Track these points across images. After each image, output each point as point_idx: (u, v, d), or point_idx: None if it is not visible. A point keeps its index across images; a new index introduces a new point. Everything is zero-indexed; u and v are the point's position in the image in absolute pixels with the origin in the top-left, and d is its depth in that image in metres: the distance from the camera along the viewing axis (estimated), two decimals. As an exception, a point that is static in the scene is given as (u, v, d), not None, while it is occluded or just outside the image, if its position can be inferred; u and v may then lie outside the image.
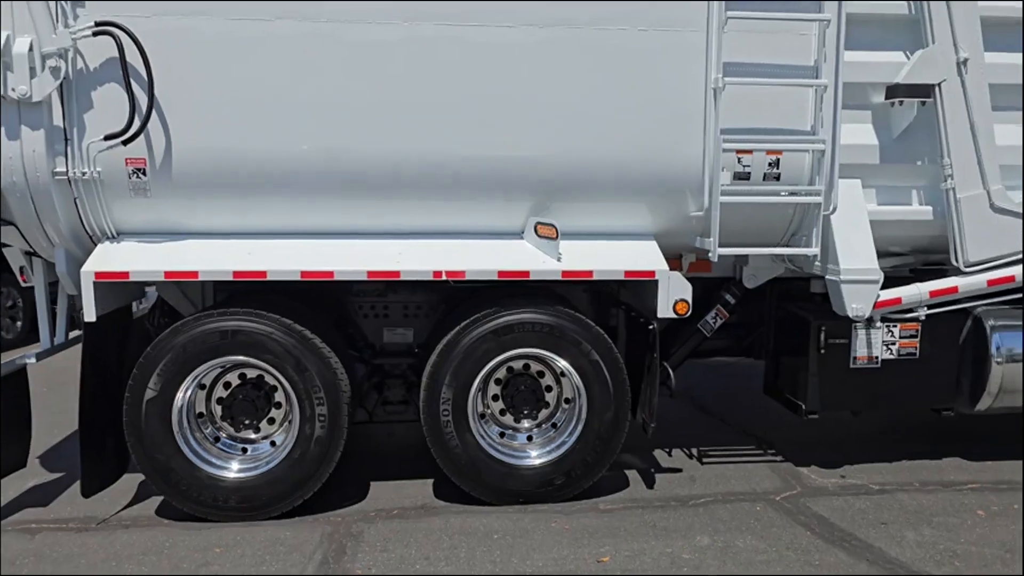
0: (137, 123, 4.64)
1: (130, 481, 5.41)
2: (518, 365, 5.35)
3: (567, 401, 5.37)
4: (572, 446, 5.22)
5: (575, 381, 5.20)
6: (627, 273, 5.07)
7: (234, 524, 4.97)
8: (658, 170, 5.07)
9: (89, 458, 4.91)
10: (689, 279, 5.22)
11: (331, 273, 4.89)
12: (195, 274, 4.82)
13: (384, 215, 5.10)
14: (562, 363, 5.17)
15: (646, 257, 5.16)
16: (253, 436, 5.27)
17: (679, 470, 5.87)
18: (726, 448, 6.30)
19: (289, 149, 4.84)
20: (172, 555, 4.59)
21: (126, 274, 4.77)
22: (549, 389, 5.41)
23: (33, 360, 5.16)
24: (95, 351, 4.89)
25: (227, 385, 5.19)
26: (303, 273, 4.87)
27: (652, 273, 5.07)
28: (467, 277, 4.98)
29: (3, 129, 4.61)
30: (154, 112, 4.69)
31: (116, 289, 4.97)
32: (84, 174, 4.74)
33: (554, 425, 5.43)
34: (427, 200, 5.06)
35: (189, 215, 5.00)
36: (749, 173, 5.12)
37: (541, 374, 5.39)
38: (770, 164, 5.12)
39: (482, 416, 5.35)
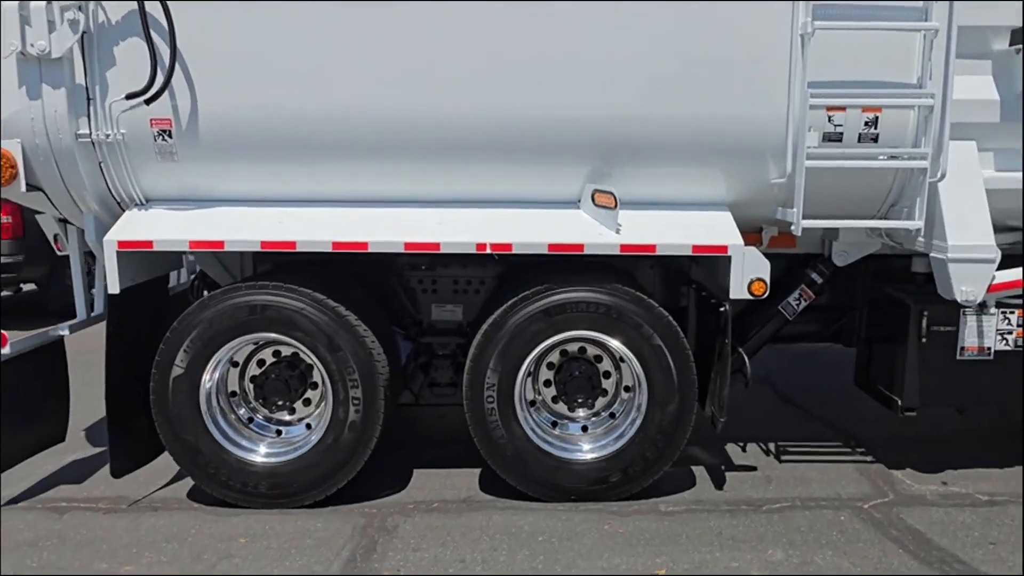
0: (160, 80, 4.30)
1: (167, 461, 5.14)
2: (573, 348, 4.84)
3: (627, 389, 4.83)
4: (630, 439, 4.69)
5: (635, 368, 4.66)
6: (695, 248, 4.47)
7: (265, 512, 4.65)
8: (733, 130, 4.45)
9: (118, 438, 4.67)
10: (769, 256, 4.59)
11: (364, 244, 4.47)
12: (220, 244, 4.48)
13: (427, 181, 4.64)
14: (620, 347, 4.63)
15: (718, 230, 4.55)
16: (288, 418, 4.95)
17: (753, 468, 5.26)
18: (808, 444, 5.65)
19: (325, 109, 4.42)
20: (195, 544, 4.30)
21: (150, 243, 4.47)
22: (607, 375, 4.89)
23: (67, 332, 4.94)
24: (121, 325, 4.63)
25: (261, 363, 4.87)
26: (335, 244, 4.47)
27: (724, 248, 4.46)
28: (514, 251, 4.47)
29: (24, 88, 4.34)
30: (179, 68, 4.34)
31: (145, 259, 4.67)
32: (108, 136, 4.45)
33: (612, 415, 4.91)
34: (474, 164, 4.58)
35: (220, 181, 4.67)
36: (841, 134, 4.44)
37: (598, 358, 4.86)
38: (867, 123, 4.42)
39: (532, 404, 4.87)
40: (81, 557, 4.18)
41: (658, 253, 4.48)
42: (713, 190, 4.66)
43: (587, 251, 4.47)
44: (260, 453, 4.73)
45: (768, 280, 4.49)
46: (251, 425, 4.89)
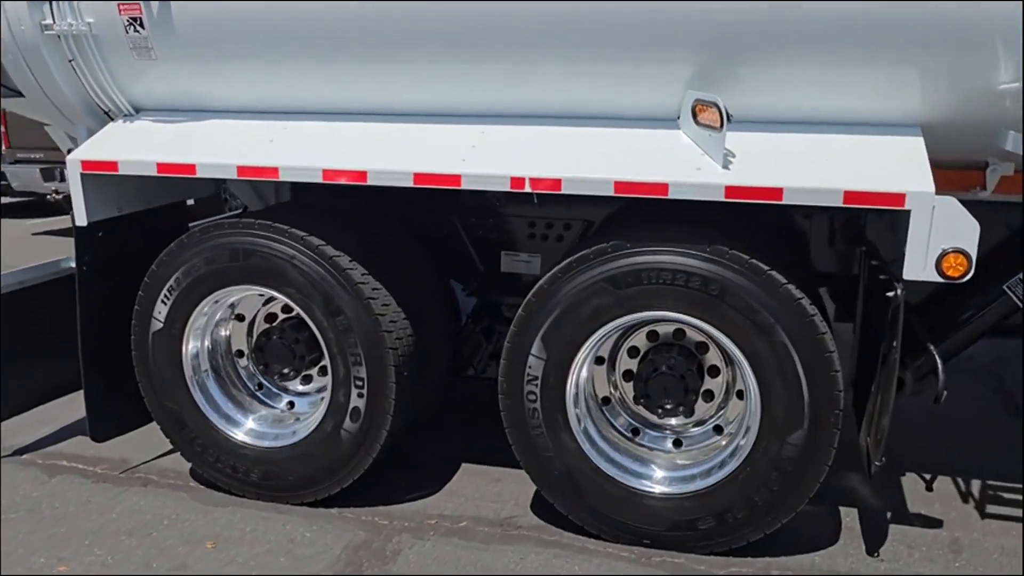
0: (113, -51, 3.26)
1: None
2: (667, 330, 3.37)
3: (739, 396, 3.31)
4: (731, 474, 3.19)
5: (745, 373, 3.11)
6: (849, 196, 2.79)
7: (257, 506, 3.74)
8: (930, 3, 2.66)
9: (98, 397, 3.89)
10: (991, 208, 2.82)
11: (363, 174, 3.24)
12: (192, 168, 3.44)
13: (465, 87, 3.31)
14: (724, 341, 3.09)
15: (893, 166, 2.82)
16: (302, 388, 3.94)
17: (936, 524, 3.55)
18: (1038, 489, 3.80)
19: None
20: (156, 542, 3.48)
21: (114, 164, 3.53)
22: (715, 372, 3.38)
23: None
24: (99, 266, 3.77)
25: (271, 318, 3.86)
26: (325, 173, 3.29)
27: (899, 198, 2.75)
28: (564, 189, 3.04)
29: (-23, -32, 3.48)
30: (140, -67, 3.27)
31: (133, 183, 3.73)
32: (72, 26, 3.51)
33: (717, 429, 3.42)
34: (527, 61, 3.17)
35: (211, 85, 3.64)
36: None
37: (702, 347, 3.36)
38: None
39: (606, 402, 3.49)
40: (31, 539, 3.48)
41: (786, 201, 2.84)
42: (894, 100, 2.93)
43: (672, 194, 2.93)
44: (251, 433, 3.76)
45: (973, 253, 2.72)
46: (260, 393, 3.94)
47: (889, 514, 3.61)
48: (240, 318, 3.89)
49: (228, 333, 3.90)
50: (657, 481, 3.31)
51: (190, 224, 3.99)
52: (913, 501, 3.71)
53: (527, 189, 3.06)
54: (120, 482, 3.98)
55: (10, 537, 3.51)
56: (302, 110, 3.56)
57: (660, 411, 3.37)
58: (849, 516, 3.59)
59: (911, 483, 3.88)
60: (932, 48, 2.75)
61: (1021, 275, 3.38)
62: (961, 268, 2.73)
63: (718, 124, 2.84)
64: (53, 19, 3.53)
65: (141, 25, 3.48)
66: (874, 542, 3.39)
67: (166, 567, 3.30)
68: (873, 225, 3.58)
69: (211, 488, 3.87)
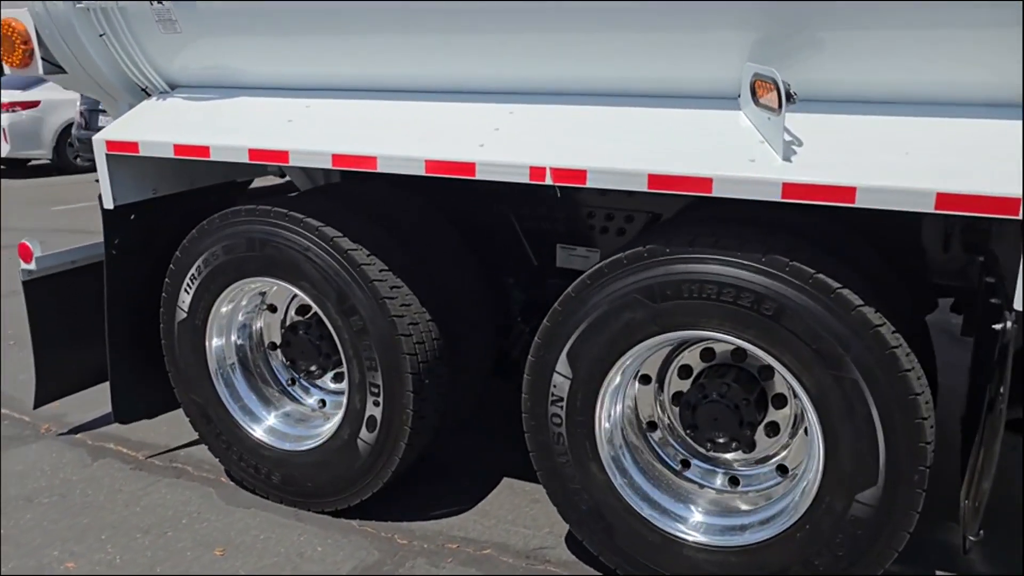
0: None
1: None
2: (724, 348, 2.84)
3: (807, 432, 2.73)
4: (786, 530, 2.63)
5: (808, 412, 2.54)
6: (942, 199, 2.16)
7: (278, 511, 3.53)
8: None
9: (123, 380, 3.77)
10: None
11: (373, 160, 2.88)
12: (206, 150, 3.20)
13: (492, 60, 2.89)
14: (783, 372, 2.54)
15: (1005, 161, 2.17)
16: (333, 387, 3.68)
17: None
18: None
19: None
20: (168, 543, 3.34)
21: (135, 145, 3.34)
22: (781, 402, 2.82)
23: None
24: (129, 250, 3.62)
25: (304, 309, 3.61)
26: (335, 158, 2.95)
27: (1013, 204, 2.09)
28: (590, 183, 2.56)
29: (11, -60, 3.38)
30: None
31: (161, 165, 3.56)
32: (97, 2, 3.34)
33: (782, 470, 2.86)
34: (560, 29, 2.69)
35: (237, 60, 3.40)
36: None
37: (767, 371, 2.80)
38: None
39: (651, 427, 3.01)
40: (54, 528, 3.42)
41: (859, 204, 2.24)
42: (1008, 73, 2.23)
43: (718, 191, 2.40)
44: (271, 432, 3.54)
45: (1111, 281, 2.04)
46: (291, 388, 3.72)
47: (1002, 587, 2.93)
48: (272, 309, 3.66)
49: (261, 325, 3.69)
50: (698, 528, 2.80)
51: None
52: (1036, 572, 3.00)
53: (548, 181, 2.60)
54: (156, 471, 3.89)
55: (34, 525, 3.46)
56: (327, 87, 3.25)
57: (709, 444, 2.85)
58: (949, 584, 2.94)
59: (1037, 546, 3.15)
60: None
61: None
62: (1093, 301, 2.06)
63: (776, 105, 2.27)
64: (81, -9, 3.37)
65: (163, -3, 3.26)
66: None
67: (168, 572, 3.13)
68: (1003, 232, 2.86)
69: (240, 486, 3.69)
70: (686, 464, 3.01)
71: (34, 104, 12.71)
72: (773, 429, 2.86)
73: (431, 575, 3.07)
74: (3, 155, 12.61)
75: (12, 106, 12.40)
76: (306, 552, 3.24)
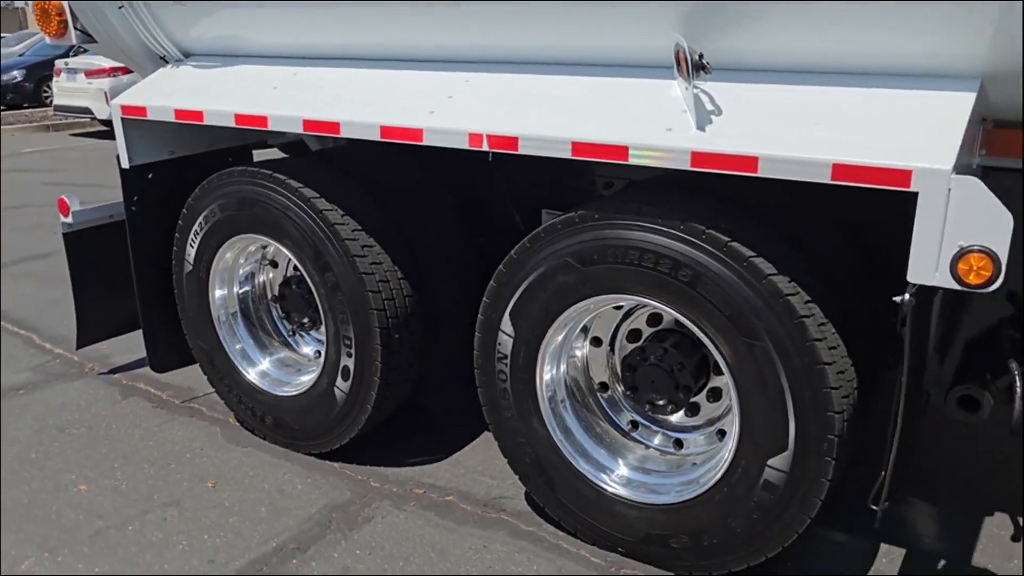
0: None
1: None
2: (671, 315, 2.90)
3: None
4: (708, 492, 2.70)
5: (726, 377, 2.60)
6: (838, 170, 2.17)
7: (271, 451, 3.82)
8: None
9: (154, 331, 4.12)
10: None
11: (336, 126, 3.05)
12: (200, 115, 3.45)
13: (448, 28, 3.01)
14: (703, 338, 2.60)
15: (908, 133, 2.15)
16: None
17: (997, 585, 2.82)
18: None
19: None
20: (169, 474, 3.67)
21: (143, 109, 3.63)
22: (721, 369, 2.87)
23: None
24: (148, 207, 3.93)
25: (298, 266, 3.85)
26: (306, 123, 3.14)
27: (904, 176, 2.08)
28: (521, 149, 2.66)
29: (40, -83, 3.69)
30: None
31: (174, 128, 3.83)
32: (114, -28, 3.63)
33: (722, 434, 2.92)
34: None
35: (236, 29, 3.62)
36: None
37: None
38: None
39: (602, 388, 3.11)
40: (75, 457, 3.81)
41: (761, 173, 2.27)
42: (939, 41, 2.20)
43: (634, 159, 2.46)
44: (264, 378, 3.81)
45: (1003, 254, 2.01)
46: (292, 340, 3.98)
47: (944, 563, 2.91)
48: (274, 264, 3.91)
49: (264, 279, 3.95)
50: (627, 485, 2.90)
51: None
52: (987, 552, 2.96)
53: (484, 147, 2.71)
54: (174, 410, 4.23)
55: (60, 452, 3.85)
56: (311, 55, 3.43)
57: (648, 406, 2.93)
58: (891, 557, 2.94)
59: (998, 526, 3.10)
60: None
61: None
62: (985, 274, 2.04)
63: (686, 74, 2.31)
64: (100, -35, 3.65)
65: (169, -29, 3.51)
66: (903, 595, 2.75)
67: (163, 498, 3.45)
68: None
69: (244, 427, 4.00)
70: (635, 425, 3.10)
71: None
72: (715, 395, 2.92)
73: (391, 516, 3.28)
74: (103, 117, 13.44)
75: (114, 71, 13.19)
76: (286, 489, 3.51)
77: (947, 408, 2.82)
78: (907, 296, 2.17)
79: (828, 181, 2.18)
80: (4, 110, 17.96)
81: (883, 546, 2.99)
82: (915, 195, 2.08)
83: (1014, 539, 2.97)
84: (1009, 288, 2.91)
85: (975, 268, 2.03)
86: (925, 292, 2.17)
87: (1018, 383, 2.62)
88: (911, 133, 2.14)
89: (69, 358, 4.88)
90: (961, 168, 2.07)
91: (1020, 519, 3.07)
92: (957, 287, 2.07)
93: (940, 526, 3.12)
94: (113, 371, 4.70)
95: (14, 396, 4.42)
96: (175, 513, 3.37)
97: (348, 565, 3.01)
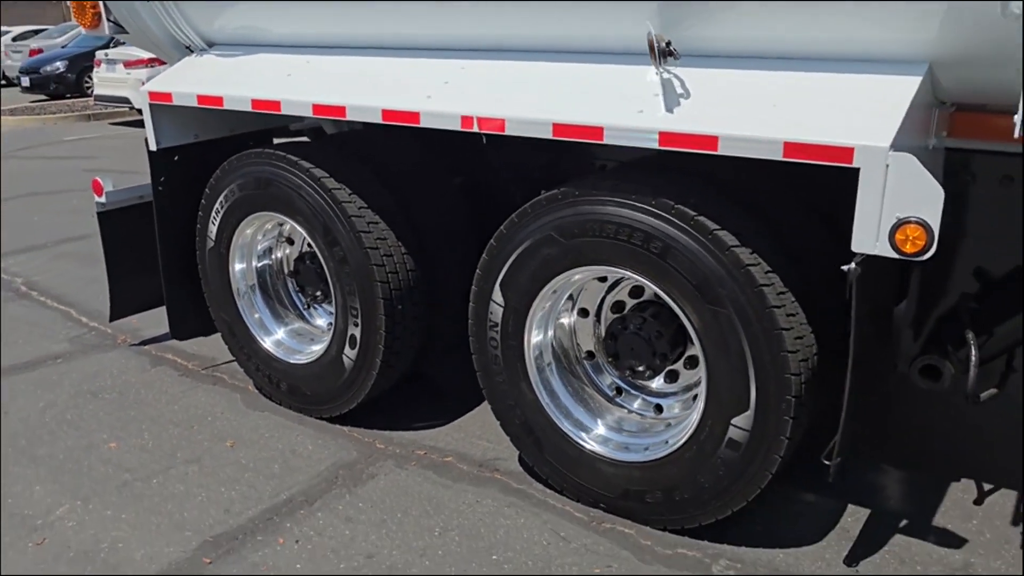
0: None
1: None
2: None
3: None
4: (678, 450, 2.91)
5: (694, 342, 2.80)
6: (789, 148, 2.36)
7: (287, 415, 4.09)
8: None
9: (178, 303, 4.41)
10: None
11: (342, 109, 3.30)
12: (220, 100, 3.71)
13: (445, 18, 3.22)
14: (674, 306, 2.80)
15: (853, 113, 2.33)
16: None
17: (956, 543, 2.98)
18: None
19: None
20: (191, 434, 3.95)
21: (169, 95, 3.91)
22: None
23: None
24: (174, 187, 4.21)
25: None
26: (315, 107, 3.39)
27: (847, 153, 2.27)
28: (508, 131, 2.88)
29: (74, -84, 3.97)
30: None
31: (198, 113, 4.11)
32: (143, -32, 3.90)
33: (697, 398, 3.12)
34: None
35: (252, 20, 3.89)
36: None
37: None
38: None
39: (589, 356, 3.33)
40: (107, 418, 4.10)
41: (722, 151, 2.47)
42: (890, 29, 2.38)
43: (608, 138, 2.67)
44: (279, 347, 4.08)
45: (935, 224, 2.19)
46: (306, 312, 4.25)
47: (905, 522, 3.09)
48: (291, 241, 4.18)
49: (281, 255, 4.21)
50: (607, 444, 3.12)
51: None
52: (949, 514, 3.13)
53: (475, 129, 2.94)
54: (198, 378, 4.52)
55: (93, 414, 4.15)
56: (323, 44, 3.67)
57: (628, 372, 3.14)
58: (856, 516, 3.13)
59: (963, 491, 3.26)
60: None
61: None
62: (919, 243, 2.22)
63: (655, 60, 2.51)
64: (130, -39, 3.93)
65: (190, -36, 3.77)
66: (862, 550, 2.93)
67: (185, 456, 3.74)
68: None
69: (262, 393, 4.27)
70: (619, 391, 3.31)
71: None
72: (692, 362, 3.11)
73: (392, 474, 3.53)
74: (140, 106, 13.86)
75: (151, 62, 13.59)
76: (298, 449, 3.77)
77: (912, 377, 3.00)
78: (853, 265, 2.35)
79: (780, 158, 2.36)
80: (46, 99, 18.56)
81: (850, 507, 3.17)
82: (858, 171, 2.26)
83: (1013, 523, 3.11)
84: (977, 265, 3.08)
85: (911, 238, 2.21)
86: (871, 262, 2.35)
87: (973, 353, 2.78)
88: (857, 114, 2.32)
89: (103, 330, 5.20)
90: (911, 148, 2.25)
91: (1022, 506, 3.21)
92: (896, 256, 2.26)
93: (907, 489, 3.29)
94: (143, 343, 5.01)
95: (53, 364, 4.74)
96: (196, 468, 3.65)
97: (351, 516, 3.26)
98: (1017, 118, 2.25)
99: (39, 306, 5.69)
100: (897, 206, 2.21)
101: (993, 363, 3.08)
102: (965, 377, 2.82)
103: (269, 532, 3.18)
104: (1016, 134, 2.29)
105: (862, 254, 2.32)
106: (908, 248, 2.22)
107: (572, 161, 3.73)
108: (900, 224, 2.22)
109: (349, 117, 3.28)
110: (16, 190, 9.45)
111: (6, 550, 3.12)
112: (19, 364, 4.74)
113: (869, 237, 2.27)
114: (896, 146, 2.20)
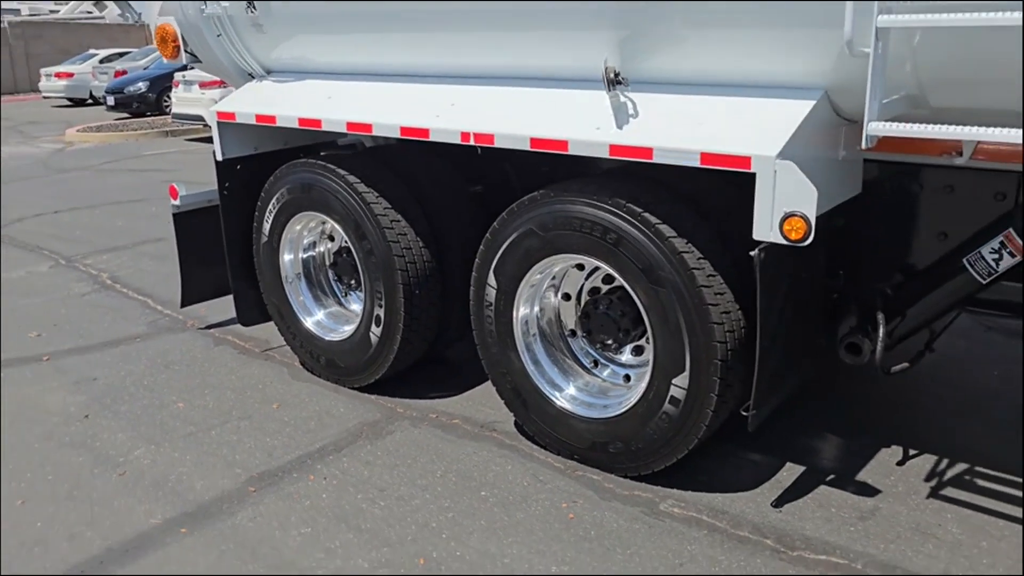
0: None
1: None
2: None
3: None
4: (632, 407, 3.53)
5: (643, 316, 3.42)
6: (704, 157, 2.98)
7: (325, 385, 4.81)
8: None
9: (242, 293, 5.18)
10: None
11: (369, 127, 4.03)
12: (273, 119, 4.48)
13: (452, 53, 3.92)
14: (627, 287, 3.43)
15: (754, 129, 2.94)
16: (369, 297, 4.89)
17: (870, 493, 3.51)
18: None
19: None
20: (246, 399, 4.69)
21: (233, 115, 4.70)
22: (655, 317, 3.68)
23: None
24: (237, 191, 4.97)
25: (350, 238, 4.84)
26: (348, 125, 4.13)
27: (746, 161, 2.88)
28: (496, 144, 3.56)
29: (163, -32, 4.81)
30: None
31: (257, 130, 4.90)
32: (216, 10, 4.71)
33: (658, 369, 3.72)
34: (501, 30, 3.68)
35: (303, 52, 4.63)
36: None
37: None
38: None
39: (571, 334, 3.96)
40: (177, 384, 4.88)
41: (656, 160, 3.10)
42: (792, 63, 2.98)
43: (572, 150, 3.32)
44: (319, 326, 4.81)
45: (812, 216, 2.78)
46: (344, 299, 4.97)
47: (832, 476, 3.63)
48: (331, 238, 4.91)
49: (323, 249, 4.95)
50: (580, 405, 3.74)
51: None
52: (872, 471, 3.66)
53: (471, 143, 3.62)
54: (253, 355, 5.29)
55: (164, 382, 4.94)
56: (358, 72, 4.40)
57: (599, 346, 3.77)
58: (791, 471, 3.68)
59: (891, 455, 3.78)
60: (819, 13, 2.79)
61: (982, 249, 3.18)
62: (800, 231, 2.80)
63: (607, 86, 3.16)
64: (205, 4, 4.74)
65: (254, 7, 4.56)
66: (789, 496, 3.49)
67: (239, 414, 4.49)
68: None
69: (304, 368, 5.01)
70: (595, 363, 3.94)
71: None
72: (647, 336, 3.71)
73: (407, 432, 4.21)
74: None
75: (224, 84, 14.70)
76: (331, 411, 4.48)
77: (839, 352, 3.56)
78: (757, 251, 2.95)
79: (699, 165, 2.98)
80: (129, 117, 19.98)
81: (788, 464, 3.72)
82: (754, 175, 2.86)
83: (899, 464, 3.65)
84: (904, 260, 3.62)
85: (794, 228, 2.80)
86: (771, 249, 2.94)
87: (881, 331, 3.33)
88: (758, 130, 2.92)
89: (175, 317, 6.03)
90: (808, 158, 2.83)
91: (913, 452, 3.73)
92: (785, 242, 2.85)
93: (842, 452, 3.81)
94: (209, 327, 5.81)
95: (132, 343, 5.57)
96: (247, 423, 4.38)
97: (370, 460, 3.94)
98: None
99: (121, 296, 6.58)
100: (784, 203, 2.81)
101: (912, 343, 3.62)
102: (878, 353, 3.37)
103: (303, 471, 3.88)
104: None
105: (763, 241, 2.91)
106: (793, 236, 2.82)
107: (581, 169, 4.37)
108: (786, 217, 2.81)
109: (375, 133, 3.99)
110: (102, 199, 10.54)
111: (95, 479, 3.88)
112: (106, 342, 5.58)
113: (765, 227, 2.87)
114: (784, 155, 2.80)
